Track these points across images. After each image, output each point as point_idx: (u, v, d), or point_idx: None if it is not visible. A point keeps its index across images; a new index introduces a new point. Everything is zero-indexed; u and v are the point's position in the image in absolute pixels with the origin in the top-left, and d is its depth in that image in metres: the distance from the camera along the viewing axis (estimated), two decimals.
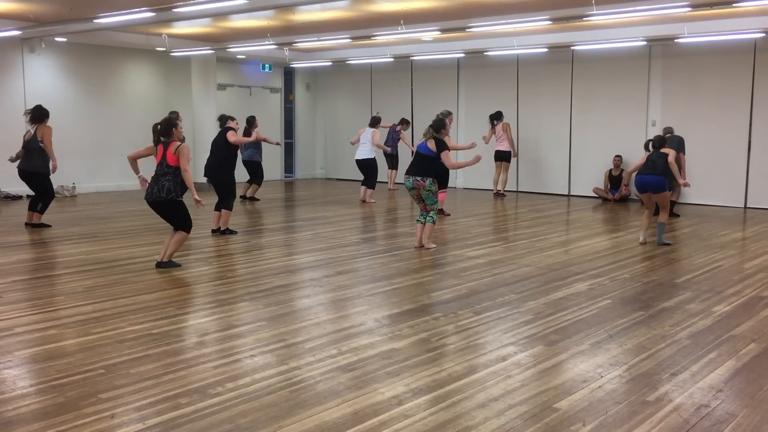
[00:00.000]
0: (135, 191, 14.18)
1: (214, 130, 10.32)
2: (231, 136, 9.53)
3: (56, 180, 11.81)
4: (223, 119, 9.88)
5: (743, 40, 12.39)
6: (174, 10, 10.31)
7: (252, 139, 11.36)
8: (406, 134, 15.51)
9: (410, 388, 4.04)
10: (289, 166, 19.33)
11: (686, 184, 9.20)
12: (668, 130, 11.43)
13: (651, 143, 9.10)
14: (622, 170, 13.85)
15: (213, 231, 9.62)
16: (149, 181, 7.36)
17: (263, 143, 13.18)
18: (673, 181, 9.38)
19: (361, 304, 6.01)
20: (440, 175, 9.55)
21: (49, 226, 10.11)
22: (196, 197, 7.24)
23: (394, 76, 17.48)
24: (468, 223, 11.12)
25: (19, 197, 13.27)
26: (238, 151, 10.32)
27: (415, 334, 5.10)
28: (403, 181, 8.88)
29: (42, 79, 14.32)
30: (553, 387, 4.09)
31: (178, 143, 7.21)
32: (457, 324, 5.39)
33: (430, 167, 8.40)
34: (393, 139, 15.25)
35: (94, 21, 11.32)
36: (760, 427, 3.61)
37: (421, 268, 7.56)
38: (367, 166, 13.54)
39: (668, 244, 8.97)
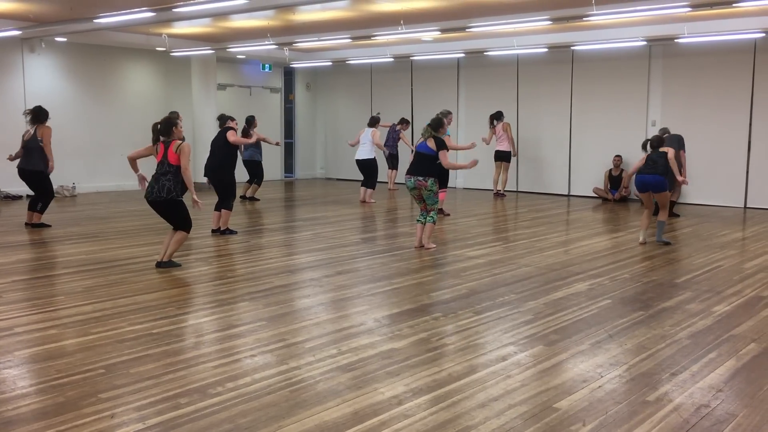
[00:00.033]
0: (135, 191, 14.18)
1: (214, 130, 10.33)
2: (231, 136, 9.53)
3: (56, 180, 11.81)
4: (223, 119, 9.88)
5: (743, 40, 12.39)
6: (174, 10, 10.31)
7: (252, 140, 11.35)
8: (406, 134, 15.50)
9: (410, 388, 4.04)
10: (289, 166, 19.34)
11: (684, 182, 9.21)
12: (665, 130, 11.43)
13: (649, 143, 9.12)
14: (622, 170, 13.86)
15: (213, 231, 9.62)
16: (148, 179, 7.36)
17: (263, 143, 13.18)
18: (673, 181, 9.39)
19: (361, 304, 6.01)
20: (440, 175, 9.54)
21: (49, 225, 10.11)
22: (195, 197, 7.25)
23: (394, 76, 17.48)
24: (468, 223, 11.12)
25: (19, 197, 13.27)
26: (238, 151, 10.33)
27: (415, 334, 5.10)
28: (404, 182, 8.87)
29: (42, 79, 14.32)
30: (553, 387, 4.09)
31: (179, 141, 7.22)
32: (457, 324, 5.39)
33: (432, 167, 8.39)
34: (393, 138, 15.26)
35: (94, 21, 11.32)
36: (760, 427, 3.61)
37: (421, 268, 7.55)
38: (368, 166, 13.53)
39: (668, 243, 8.99)
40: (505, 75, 15.61)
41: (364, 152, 13.54)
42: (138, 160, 7.59)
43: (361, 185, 13.63)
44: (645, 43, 13.05)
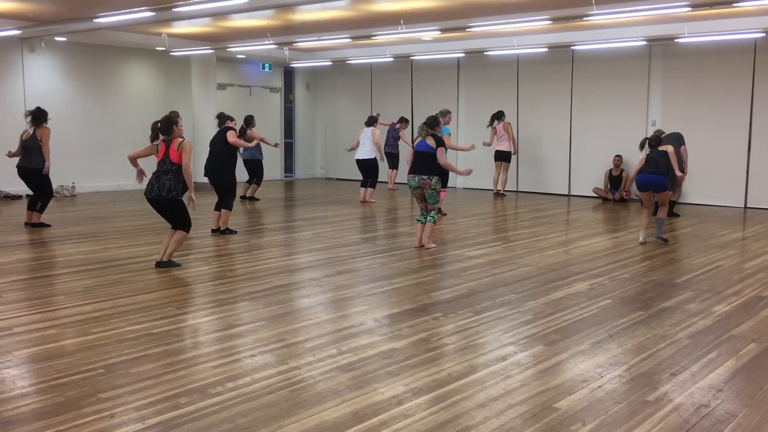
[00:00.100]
0: (135, 191, 14.18)
1: (214, 130, 10.31)
2: (230, 137, 9.52)
3: (56, 179, 11.81)
4: (222, 118, 9.88)
5: (743, 40, 12.39)
6: (174, 9, 10.30)
7: (252, 144, 11.34)
8: (405, 133, 15.49)
9: (410, 388, 4.04)
10: (289, 166, 19.33)
11: (682, 177, 9.23)
12: (660, 132, 11.44)
13: (647, 142, 9.13)
14: (622, 170, 13.86)
15: (213, 231, 9.62)
16: (148, 176, 7.36)
17: (262, 143, 13.16)
18: (674, 181, 9.41)
19: (360, 304, 6.01)
20: (441, 175, 9.54)
21: (49, 225, 10.11)
22: (193, 196, 7.25)
23: (394, 76, 17.48)
24: (468, 223, 11.12)
25: (19, 197, 13.27)
26: (238, 152, 10.32)
27: (414, 334, 5.10)
28: (404, 182, 8.86)
29: (42, 78, 14.32)
30: (553, 387, 4.09)
31: (181, 139, 7.22)
32: (457, 324, 5.39)
33: (434, 165, 8.39)
34: (393, 137, 15.25)
35: (94, 20, 11.31)
36: (760, 427, 3.60)
37: (421, 268, 7.55)
38: (369, 166, 13.50)
39: (666, 240, 9.01)
40: (505, 75, 15.61)
41: (365, 152, 13.51)
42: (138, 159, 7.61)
43: (361, 185, 13.62)
44: (645, 43, 13.05)
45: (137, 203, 12.39)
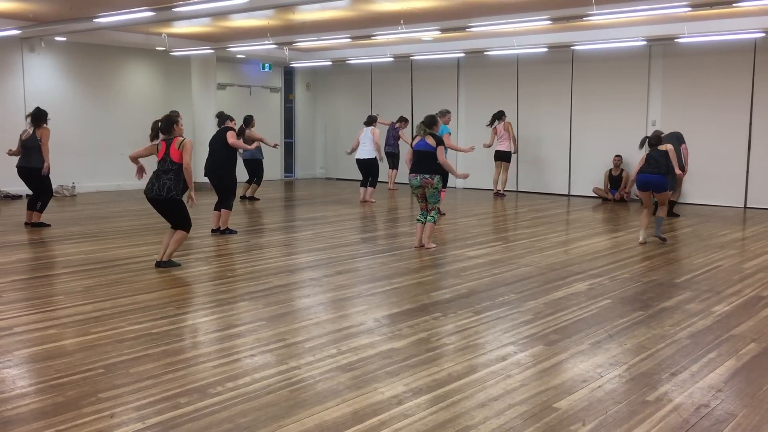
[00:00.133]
0: (134, 191, 14.18)
1: (214, 130, 10.30)
2: (230, 138, 9.50)
3: (56, 179, 11.80)
4: (222, 117, 9.88)
5: (743, 40, 12.39)
6: (174, 9, 10.30)
7: (252, 147, 11.34)
8: (405, 132, 15.49)
9: (410, 388, 4.04)
10: (289, 166, 19.34)
11: (681, 175, 9.24)
12: (659, 132, 11.45)
13: (647, 141, 9.14)
14: (622, 170, 13.86)
15: (213, 231, 9.62)
16: (148, 173, 7.37)
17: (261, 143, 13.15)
18: (674, 181, 9.42)
19: (360, 304, 6.01)
20: (442, 174, 9.55)
21: (49, 225, 10.11)
22: (192, 194, 7.26)
23: (394, 76, 17.48)
24: (468, 223, 11.12)
25: (19, 197, 13.27)
26: (238, 151, 10.31)
27: (414, 334, 5.10)
28: (405, 181, 8.85)
29: (42, 78, 14.32)
30: (552, 387, 4.09)
31: (182, 138, 7.23)
32: (456, 324, 5.39)
33: (435, 164, 8.40)
34: (393, 137, 15.26)
35: (94, 20, 11.32)
36: (760, 426, 3.60)
37: (421, 268, 7.55)
38: (369, 166, 13.49)
39: (664, 239, 9.02)
40: (505, 75, 15.61)
41: (365, 152, 13.49)
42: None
43: (361, 185, 13.62)
44: (645, 43, 13.05)
45: (137, 203, 12.39)
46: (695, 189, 13.32)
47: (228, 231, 9.56)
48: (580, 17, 10.64)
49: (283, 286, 6.63)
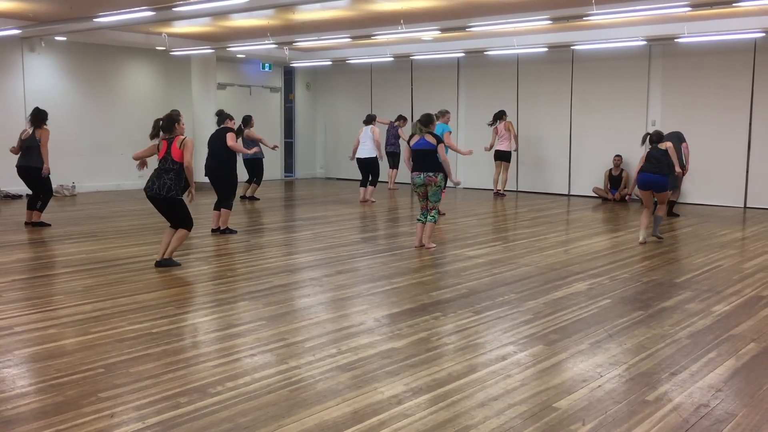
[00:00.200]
0: (134, 190, 14.19)
1: (214, 129, 10.28)
2: (230, 140, 9.49)
3: (56, 179, 11.80)
4: (222, 116, 9.88)
5: (743, 40, 12.39)
6: (174, 9, 10.30)
7: (251, 151, 11.33)
8: (405, 130, 15.47)
9: (410, 388, 4.04)
10: (289, 166, 19.33)
11: (680, 173, 9.26)
12: (658, 132, 11.45)
13: (649, 138, 9.16)
14: (622, 170, 13.87)
15: (213, 230, 9.62)
16: (149, 171, 7.39)
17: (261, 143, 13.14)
18: (674, 179, 9.44)
19: (360, 304, 6.01)
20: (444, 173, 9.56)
21: (49, 225, 10.11)
22: (192, 192, 7.27)
23: (394, 76, 17.48)
24: (468, 222, 11.12)
25: (19, 196, 13.27)
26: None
27: (414, 334, 5.10)
28: (409, 180, 8.86)
29: (42, 78, 14.32)
30: (552, 386, 4.09)
31: (183, 137, 7.23)
32: (456, 323, 5.39)
33: (437, 162, 8.41)
34: (393, 136, 15.25)
35: (94, 20, 11.32)
36: (760, 426, 3.61)
37: (421, 268, 7.55)
38: (370, 165, 13.48)
39: (660, 238, 9.04)
40: (505, 75, 15.61)
41: (366, 150, 13.47)
42: None
43: (360, 185, 13.61)
44: (645, 42, 13.05)
45: (137, 203, 12.39)
46: (695, 189, 13.32)
47: (228, 231, 9.56)
48: (580, 17, 10.64)
49: (283, 286, 6.63)
